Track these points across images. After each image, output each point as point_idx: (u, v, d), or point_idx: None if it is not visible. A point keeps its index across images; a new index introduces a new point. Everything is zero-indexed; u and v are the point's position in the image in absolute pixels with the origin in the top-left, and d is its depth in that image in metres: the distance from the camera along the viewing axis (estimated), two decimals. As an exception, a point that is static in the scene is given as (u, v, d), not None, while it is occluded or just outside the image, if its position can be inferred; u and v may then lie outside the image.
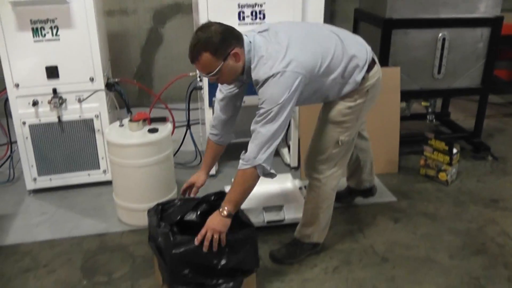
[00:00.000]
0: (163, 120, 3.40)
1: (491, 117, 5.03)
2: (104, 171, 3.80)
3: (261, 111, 2.40)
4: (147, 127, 3.32)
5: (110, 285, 2.85)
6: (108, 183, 3.80)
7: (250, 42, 2.45)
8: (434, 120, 4.73)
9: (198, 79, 3.93)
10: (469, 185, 4.01)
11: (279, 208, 3.33)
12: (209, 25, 2.37)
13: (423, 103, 4.65)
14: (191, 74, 4.04)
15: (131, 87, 5.13)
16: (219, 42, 2.33)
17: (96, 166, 3.77)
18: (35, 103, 3.46)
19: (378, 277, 2.94)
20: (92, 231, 3.35)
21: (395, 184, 4.01)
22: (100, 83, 3.53)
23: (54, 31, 3.33)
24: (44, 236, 3.29)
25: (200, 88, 3.84)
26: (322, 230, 3.04)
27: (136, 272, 2.96)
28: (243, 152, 2.48)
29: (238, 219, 2.63)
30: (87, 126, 3.63)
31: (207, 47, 2.33)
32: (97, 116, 3.61)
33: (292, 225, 3.27)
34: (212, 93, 3.64)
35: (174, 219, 2.70)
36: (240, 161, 2.47)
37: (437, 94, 4.52)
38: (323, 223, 3.01)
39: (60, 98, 3.48)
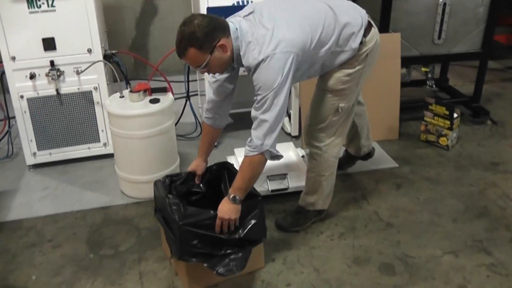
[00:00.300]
0: (164, 90, 3.36)
1: (488, 82, 5.01)
2: (105, 144, 3.76)
3: (258, 97, 2.38)
4: (148, 98, 3.28)
5: (117, 258, 2.85)
6: (109, 156, 3.79)
7: (237, 29, 2.40)
8: (434, 86, 4.71)
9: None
10: (469, 149, 4.02)
11: (283, 176, 3.33)
12: (192, 19, 2.32)
13: (423, 69, 4.63)
14: (188, 44, 3.99)
15: (127, 60, 5.05)
16: (203, 36, 2.29)
17: (96, 139, 3.74)
18: (32, 76, 3.40)
19: (384, 242, 2.96)
20: (96, 204, 3.34)
21: (396, 150, 4.01)
22: (98, 55, 3.48)
23: (50, 2, 3.25)
24: (47, 211, 3.27)
25: (199, 58, 3.77)
26: (326, 197, 3.04)
27: (142, 245, 2.96)
28: (249, 139, 2.46)
29: (234, 176, 2.62)
30: (86, 99, 3.58)
31: (192, 43, 2.30)
32: (96, 88, 3.57)
33: (296, 193, 3.28)
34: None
35: (181, 191, 2.74)
36: (247, 148, 2.46)
37: (437, 60, 4.51)
38: (327, 190, 3.00)
39: (58, 70, 3.42)
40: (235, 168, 2.83)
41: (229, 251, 2.50)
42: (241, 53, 2.40)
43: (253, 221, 2.57)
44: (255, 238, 2.61)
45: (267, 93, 2.34)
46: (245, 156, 2.47)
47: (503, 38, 5.81)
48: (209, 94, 2.78)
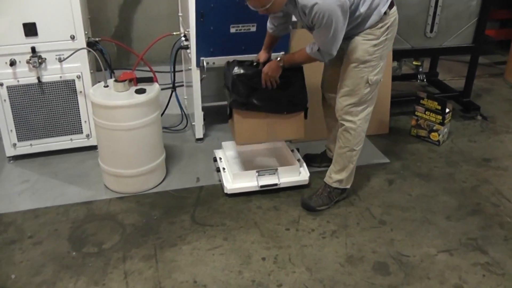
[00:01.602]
0: (150, 80, 3.23)
1: (478, 77, 4.96)
2: (87, 136, 3.63)
3: (318, 34, 2.69)
4: (134, 88, 3.15)
5: (100, 256, 2.73)
6: (92, 148, 3.66)
7: None
8: (424, 80, 4.66)
9: (183, 38, 3.76)
10: (461, 145, 3.97)
11: (273, 172, 3.25)
12: None
13: (415, 62, 4.57)
14: (175, 33, 3.87)
15: (110, 48, 4.89)
16: None
17: (79, 130, 3.60)
18: (12, 63, 3.26)
19: (377, 240, 2.90)
20: (78, 199, 3.21)
21: (386, 145, 3.95)
22: (81, 42, 3.34)
23: (31, -15, 3.11)
24: (27, 205, 3.14)
25: (187, 47, 3.67)
26: (351, 174, 3.16)
27: (127, 242, 2.84)
28: (313, 42, 2.79)
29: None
30: (68, 87, 3.44)
31: None
32: (78, 77, 3.43)
33: (286, 189, 3.29)
34: (199, 53, 3.48)
35: (247, 72, 3.10)
36: (311, 47, 2.81)
37: (429, 53, 4.46)
38: (354, 167, 3.13)
39: (40, 57, 3.28)
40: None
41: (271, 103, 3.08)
42: None
43: (294, 85, 3.07)
44: (295, 101, 3.12)
45: (326, 31, 2.61)
46: (306, 51, 2.85)
47: (493, 33, 5.79)
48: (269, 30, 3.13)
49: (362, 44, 2.83)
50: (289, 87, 3.07)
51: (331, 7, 2.53)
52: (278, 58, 2.96)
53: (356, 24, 2.78)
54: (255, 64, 3.15)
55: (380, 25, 2.80)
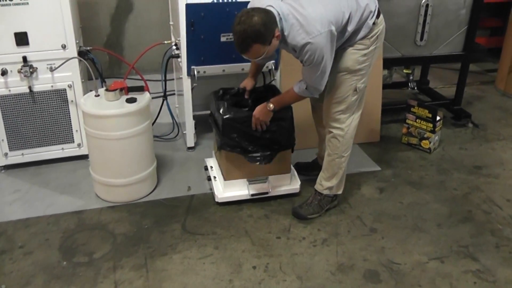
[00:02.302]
0: (141, 89, 3.24)
1: (468, 85, 4.99)
2: (79, 145, 3.62)
3: (307, 71, 2.74)
4: (125, 97, 3.15)
5: (91, 266, 2.73)
6: (83, 157, 3.66)
7: (278, 13, 2.61)
8: (415, 88, 4.68)
9: (174, 47, 3.77)
10: (452, 152, 3.99)
11: (264, 180, 3.25)
12: (249, 16, 2.53)
13: (405, 70, 4.60)
14: (166, 42, 3.88)
15: (101, 57, 4.89)
16: (266, 32, 2.55)
17: (70, 139, 3.59)
18: (4, 72, 3.26)
19: (368, 248, 2.90)
20: (69, 208, 3.20)
21: (377, 153, 3.96)
22: (72, 51, 3.34)
23: (22, -5, 3.13)
24: (18, 215, 3.13)
25: (178, 56, 3.68)
26: (341, 180, 3.17)
27: (118, 252, 2.83)
28: (301, 82, 2.83)
29: None
30: (59, 97, 3.44)
31: (257, 39, 2.55)
32: (70, 86, 3.43)
33: (276, 197, 3.30)
34: (190, 61, 3.49)
35: (231, 101, 3.16)
36: (298, 86, 2.85)
37: (419, 61, 4.49)
38: (343, 173, 3.15)
39: (31, 66, 3.28)
40: (279, 90, 3.28)
41: (259, 148, 3.06)
42: (286, 33, 2.65)
43: (282, 124, 3.06)
44: (283, 143, 3.12)
45: (315, 68, 2.67)
46: (294, 90, 2.88)
47: (483, 41, 5.82)
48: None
49: (352, 54, 2.85)
50: (278, 129, 3.06)
51: (321, 45, 2.58)
52: (270, 105, 2.94)
53: (345, 41, 2.82)
54: (241, 91, 3.21)
55: (370, 35, 2.84)
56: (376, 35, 2.85)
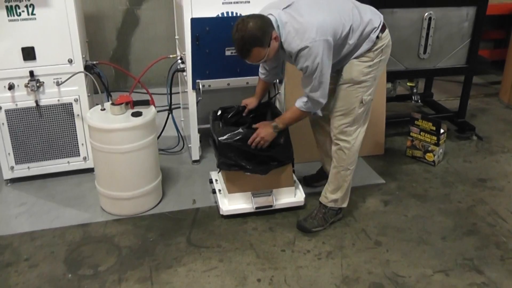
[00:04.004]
0: (146, 103, 3.26)
1: (472, 97, 5.01)
2: (84, 158, 3.65)
3: (304, 79, 2.80)
4: (130, 111, 3.18)
5: (96, 278, 2.73)
6: (89, 170, 3.68)
7: (276, 20, 2.73)
8: (419, 101, 4.69)
9: (180, 61, 3.80)
10: (456, 165, 3.99)
11: (268, 193, 3.25)
12: (245, 23, 2.65)
13: (409, 83, 4.61)
14: (171, 56, 3.91)
15: (107, 71, 4.94)
16: (262, 35, 2.67)
17: (76, 153, 3.62)
18: (11, 87, 3.29)
19: (373, 261, 2.90)
20: (75, 221, 3.22)
21: (382, 166, 3.96)
22: (79, 65, 3.38)
23: (30, 10, 3.16)
24: (24, 228, 3.15)
25: (183, 70, 3.71)
26: (346, 194, 3.19)
27: (123, 264, 2.84)
28: (304, 98, 2.89)
29: (276, 117, 3.13)
30: (66, 111, 3.47)
31: (255, 43, 2.67)
32: (76, 100, 3.46)
33: (281, 210, 3.30)
34: (195, 75, 3.52)
35: (230, 121, 3.30)
36: (299, 101, 2.91)
37: (423, 74, 4.50)
38: (349, 186, 3.17)
39: (38, 81, 3.32)
40: (277, 109, 3.43)
41: (257, 165, 3.09)
42: (282, 40, 2.75)
43: (279, 142, 3.07)
44: (281, 159, 3.14)
45: (312, 76, 2.73)
46: (297, 107, 2.94)
47: (487, 53, 5.85)
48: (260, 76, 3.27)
49: (357, 65, 2.89)
50: (275, 145, 3.09)
51: (315, 51, 2.66)
52: (274, 124, 3.02)
53: (348, 53, 2.87)
54: (240, 109, 3.30)
55: (374, 48, 2.88)
56: (380, 48, 2.89)
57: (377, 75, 2.98)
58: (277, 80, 3.62)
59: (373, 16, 2.86)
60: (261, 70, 3.23)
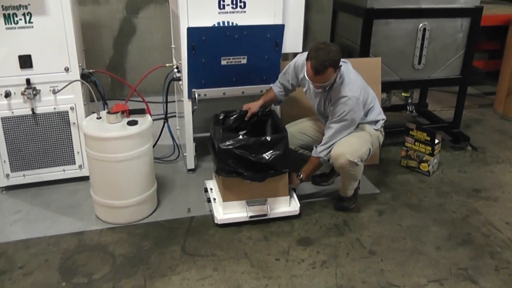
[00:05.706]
0: (142, 112, 3.27)
1: (467, 107, 5.04)
2: (80, 166, 3.65)
3: (332, 124, 3.22)
4: (126, 119, 3.19)
5: (91, 287, 2.73)
6: (84, 179, 3.68)
7: (341, 65, 3.12)
8: (414, 111, 4.72)
9: (176, 70, 3.82)
10: (450, 175, 4.01)
11: (263, 202, 3.26)
12: (329, 45, 3.02)
13: (404, 94, 4.63)
14: (167, 65, 3.93)
15: (104, 79, 4.96)
16: (339, 61, 3.05)
17: (72, 161, 3.62)
18: (7, 95, 3.30)
19: (367, 270, 2.90)
20: (69, 229, 3.21)
21: (377, 176, 3.98)
22: (75, 74, 3.39)
23: (27, 18, 3.18)
24: (18, 236, 3.14)
25: (179, 79, 3.72)
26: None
27: (117, 273, 2.84)
28: (319, 148, 3.29)
29: (276, 126, 3.40)
30: (62, 119, 3.48)
31: (333, 64, 3.01)
32: (72, 108, 3.47)
33: (275, 219, 3.31)
34: (191, 84, 3.53)
35: (232, 125, 3.44)
36: (318, 153, 3.30)
37: (418, 85, 4.53)
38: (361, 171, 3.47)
39: (34, 89, 3.33)
40: (278, 117, 3.62)
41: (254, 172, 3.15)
42: (336, 80, 3.15)
43: (277, 151, 3.14)
44: (278, 167, 3.19)
45: (339, 123, 3.19)
46: (315, 157, 3.33)
47: (481, 64, 5.88)
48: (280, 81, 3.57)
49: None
50: (273, 155, 3.15)
51: (354, 103, 3.13)
52: (300, 174, 3.40)
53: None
54: (242, 114, 3.43)
55: (375, 127, 3.39)
56: (379, 131, 3.43)
57: (374, 148, 3.42)
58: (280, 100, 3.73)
59: (380, 113, 3.43)
60: (279, 86, 3.52)
